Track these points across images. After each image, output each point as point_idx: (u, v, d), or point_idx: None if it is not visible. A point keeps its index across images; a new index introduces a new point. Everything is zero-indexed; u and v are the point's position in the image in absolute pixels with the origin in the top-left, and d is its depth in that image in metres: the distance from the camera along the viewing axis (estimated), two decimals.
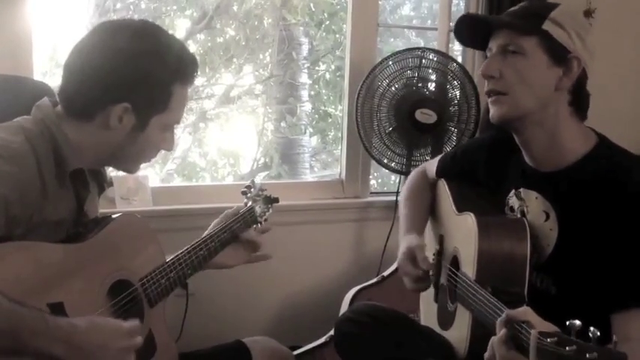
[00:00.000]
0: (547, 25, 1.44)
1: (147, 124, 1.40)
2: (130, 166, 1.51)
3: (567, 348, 1.01)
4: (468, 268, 1.53)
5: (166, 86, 1.40)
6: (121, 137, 1.39)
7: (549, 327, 1.14)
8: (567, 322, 1.04)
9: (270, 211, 1.90)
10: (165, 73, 1.39)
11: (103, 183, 1.60)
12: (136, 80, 1.36)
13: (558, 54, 1.44)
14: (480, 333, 1.40)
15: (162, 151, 1.52)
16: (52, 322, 1.19)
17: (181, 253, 1.58)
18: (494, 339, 1.20)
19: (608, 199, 1.39)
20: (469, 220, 1.56)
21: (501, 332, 1.18)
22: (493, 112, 1.51)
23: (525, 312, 1.20)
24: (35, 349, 1.16)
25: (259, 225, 1.84)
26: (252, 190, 1.87)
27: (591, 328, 1.01)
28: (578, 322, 1.03)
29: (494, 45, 1.50)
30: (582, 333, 1.02)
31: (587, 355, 0.98)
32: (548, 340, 1.04)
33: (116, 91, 1.35)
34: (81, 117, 1.38)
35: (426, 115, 2.49)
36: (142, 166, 1.55)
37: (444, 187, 1.83)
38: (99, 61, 1.36)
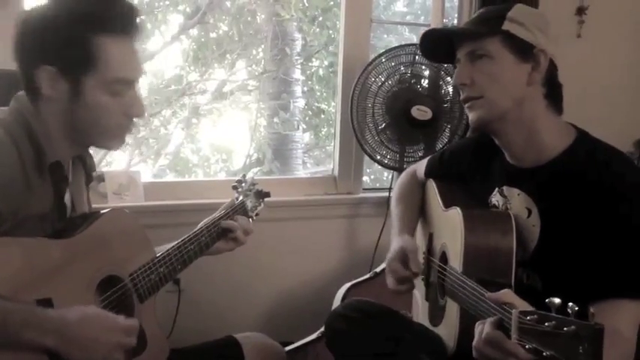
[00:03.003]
0: (507, 25, 1.47)
1: (80, 86, 1.32)
2: (102, 140, 1.42)
3: (546, 324, 1.04)
4: (455, 261, 1.55)
5: (83, 40, 1.30)
6: (66, 106, 1.34)
7: (530, 307, 1.17)
8: (547, 300, 1.06)
9: (262, 205, 1.90)
10: (76, 25, 1.30)
11: (90, 172, 1.57)
12: (48, 39, 1.30)
13: (523, 50, 1.47)
14: (468, 324, 1.40)
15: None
16: (41, 314, 1.19)
17: (171, 248, 1.57)
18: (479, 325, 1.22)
19: (588, 193, 1.40)
20: (455, 213, 1.58)
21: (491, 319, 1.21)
22: (471, 117, 1.54)
23: (506, 294, 1.23)
24: (26, 341, 1.17)
25: (251, 220, 1.83)
26: (243, 184, 1.86)
27: (570, 304, 1.03)
28: (557, 300, 1.05)
29: (461, 54, 1.54)
30: (562, 310, 1.04)
31: (565, 329, 1.01)
32: (528, 318, 1.07)
33: (32, 54, 1.31)
34: (32, 96, 1.35)
35: (422, 112, 2.49)
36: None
37: (432, 186, 1.85)
38: (16, 30, 1.33)
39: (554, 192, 1.47)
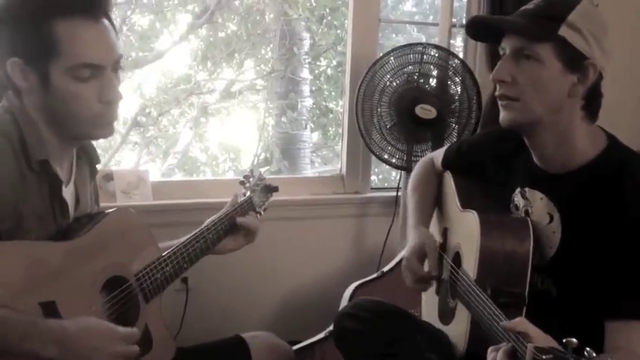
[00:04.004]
0: (563, 31, 1.38)
1: (47, 73, 1.30)
2: (84, 130, 1.38)
3: None
4: (469, 266, 1.52)
5: (43, 27, 1.28)
6: (41, 99, 1.32)
7: (546, 340, 1.15)
8: (564, 340, 1.03)
9: (270, 200, 1.87)
10: (35, 13, 1.29)
11: (94, 165, 1.56)
12: (9, 31, 1.30)
13: (574, 60, 1.39)
14: (479, 331, 1.39)
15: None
16: (41, 325, 1.19)
17: (177, 246, 1.56)
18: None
19: (614, 205, 1.37)
20: (472, 217, 1.55)
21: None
22: (503, 116, 1.48)
23: (521, 323, 1.20)
24: (27, 351, 1.17)
25: (259, 215, 1.81)
26: (250, 179, 1.84)
27: (587, 349, 1.00)
28: (574, 340, 1.02)
29: (507, 46, 1.46)
30: (578, 351, 1.02)
31: None
32: (544, 357, 1.04)
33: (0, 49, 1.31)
34: (14, 92, 1.34)
35: (425, 111, 2.48)
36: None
37: (449, 180, 1.81)
38: None
39: (579, 201, 1.43)
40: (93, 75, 1.32)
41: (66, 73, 1.30)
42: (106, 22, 1.36)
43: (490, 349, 1.23)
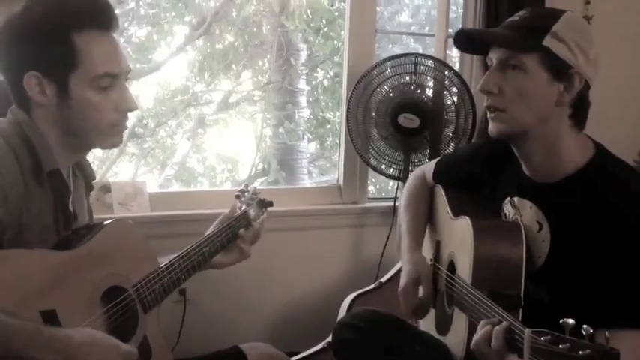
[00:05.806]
0: (548, 41, 1.40)
1: (67, 85, 1.33)
2: (98, 139, 1.41)
3: (560, 346, 1.02)
4: (464, 271, 1.53)
5: (64, 40, 1.31)
6: (57, 111, 1.34)
7: None
8: (560, 321, 1.05)
9: (265, 215, 1.89)
10: (55, 26, 1.31)
11: (89, 180, 1.57)
12: (28, 45, 1.31)
13: (559, 69, 1.41)
14: None
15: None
16: (47, 333, 1.18)
17: (175, 258, 1.57)
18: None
19: (601, 215, 1.38)
20: (465, 223, 1.56)
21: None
22: (492, 127, 1.49)
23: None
24: (29, 359, 1.16)
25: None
26: (245, 194, 1.86)
27: (584, 326, 1.01)
28: (571, 321, 1.04)
29: (494, 57, 1.47)
30: (576, 331, 1.03)
31: (581, 352, 0.99)
32: (542, 338, 1.06)
33: (17, 63, 1.33)
34: (24, 107, 1.36)
35: (409, 120, 2.49)
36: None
37: (440, 193, 1.83)
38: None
39: (567, 210, 1.44)
40: (111, 84, 1.37)
41: (86, 84, 1.34)
42: (115, 35, 1.40)
43: (482, 322, 1.25)
